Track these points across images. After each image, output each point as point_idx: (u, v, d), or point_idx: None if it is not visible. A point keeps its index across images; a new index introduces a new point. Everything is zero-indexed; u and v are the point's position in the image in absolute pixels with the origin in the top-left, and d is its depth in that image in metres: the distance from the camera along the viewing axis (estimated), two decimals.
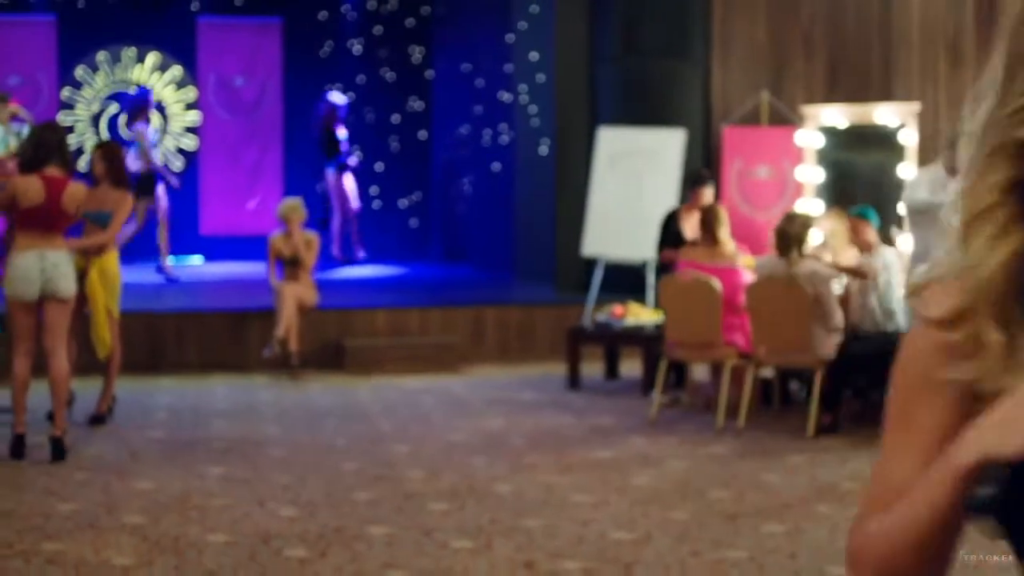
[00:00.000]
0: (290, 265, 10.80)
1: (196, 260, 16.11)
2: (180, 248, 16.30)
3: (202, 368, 10.53)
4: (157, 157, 13.84)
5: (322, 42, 16.71)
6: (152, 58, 16.34)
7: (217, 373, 10.48)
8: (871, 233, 8.44)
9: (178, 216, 16.26)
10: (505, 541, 5.92)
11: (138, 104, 14.09)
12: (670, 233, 9.55)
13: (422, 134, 16.64)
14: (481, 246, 14.62)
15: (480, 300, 11.62)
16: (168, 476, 7.06)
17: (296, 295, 10.59)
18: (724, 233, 8.81)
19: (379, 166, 16.73)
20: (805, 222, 8.22)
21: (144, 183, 13.23)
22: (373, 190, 16.76)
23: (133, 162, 13.13)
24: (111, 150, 8.85)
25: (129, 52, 16.30)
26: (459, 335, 11.05)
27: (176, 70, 16.41)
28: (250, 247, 15.20)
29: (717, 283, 8.43)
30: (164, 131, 16.36)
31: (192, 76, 16.43)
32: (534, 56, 12.77)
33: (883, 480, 1.38)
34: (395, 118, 16.63)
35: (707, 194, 9.56)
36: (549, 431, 8.36)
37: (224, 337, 10.78)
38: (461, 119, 15.37)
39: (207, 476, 7.10)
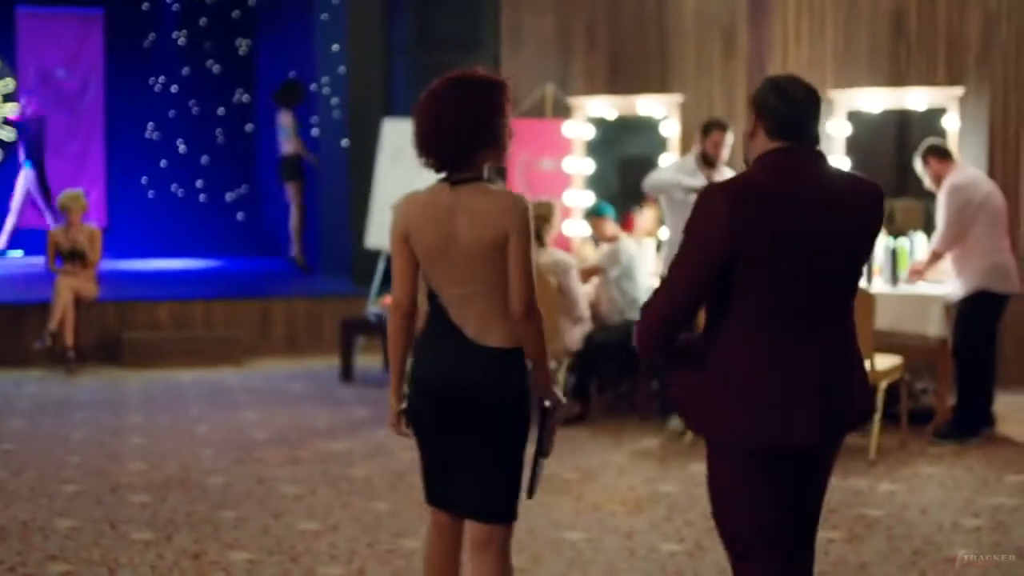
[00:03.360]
0: (69, 258, 10.61)
1: (17, 253, 15.78)
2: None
3: None
4: None
5: (146, 33, 16.47)
6: None
7: None
8: (609, 226, 8.50)
9: None
10: (188, 533, 5.84)
11: None
12: None
13: (248, 127, 16.47)
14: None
15: (267, 293, 11.49)
16: None
17: (72, 288, 10.40)
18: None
19: (204, 159, 16.54)
20: (547, 211, 8.22)
21: None
22: (198, 183, 16.57)
23: None
24: None
25: None
26: (244, 328, 10.93)
27: None
28: None
29: None
30: None
31: (11, 67, 16.10)
32: (336, 48, 12.69)
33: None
34: (220, 110, 16.45)
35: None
36: (297, 424, 8.29)
37: (1, 330, 10.55)
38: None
39: None
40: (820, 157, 3.42)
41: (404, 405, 3.84)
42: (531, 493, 3.89)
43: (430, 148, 3.72)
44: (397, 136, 10.91)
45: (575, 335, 8.26)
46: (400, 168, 10.65)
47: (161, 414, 8.59)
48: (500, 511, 3.78)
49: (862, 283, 7.82)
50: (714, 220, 3.28)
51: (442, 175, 3.76)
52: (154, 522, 6.01)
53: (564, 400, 3.93)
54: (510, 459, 3.75)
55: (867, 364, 7.14)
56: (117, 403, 8.98)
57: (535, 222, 7.97)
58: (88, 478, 6.84)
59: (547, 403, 3.86)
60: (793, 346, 3.32)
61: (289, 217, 13.78)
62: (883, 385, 7.26)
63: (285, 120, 13.42)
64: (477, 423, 3.70)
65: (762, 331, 3.32)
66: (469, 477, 3.76)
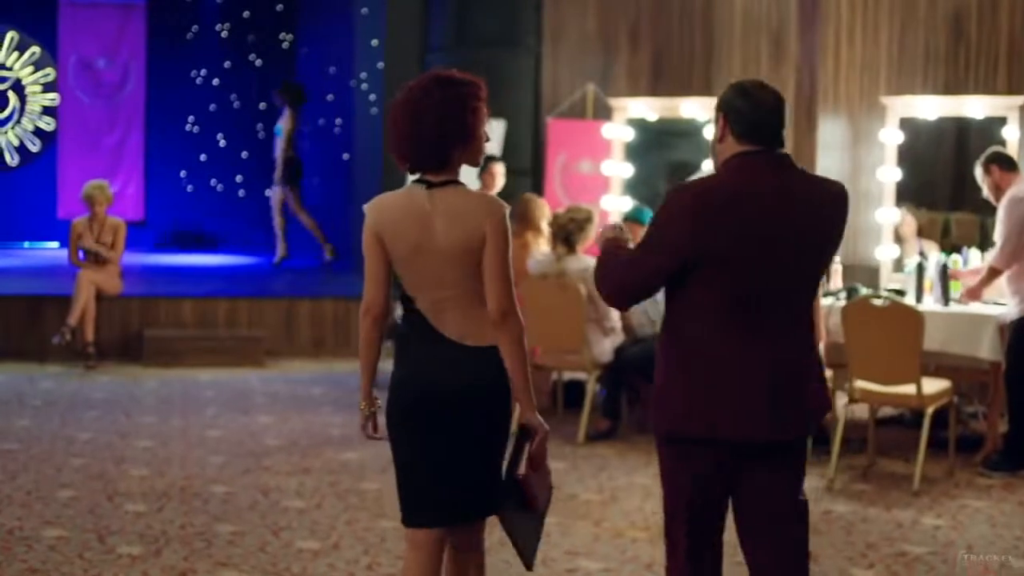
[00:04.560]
0: (92, 252, 10.34)
1: (53, 245, 15.60)
2: (37, 233, 15.83)
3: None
4: None
5: (188, 25, 16.23)
6: (10, 37, 15.81)
7: (10, 361, 10.00)
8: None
9: (35, 200, 15.79)
10: (179, 548, 5.51)
11: None
12: None
13: None
14: (331, 238, 14.17)
15: (294, 292, 11.17)
16: None
17: (94, 282, 10.13)
18: (528, 235, 8.45)
19: (244, 154, 16.27)
20: (581, 217, 7.83)
21: None
22: (238, 178, 16.31)
23: None
24: None
25: None
26: (269, 328, 10.62)
27: (35, 50, 15.88)
28: None
29: None
30: (21, 112, 15.88)
31: (52, 56, 15.91)
32: (375, 43, 12.36)
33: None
34: (262, 105, 16.17)
35: (498, 171, 9.12)
36: (312, 431, 7.94)
37: (20, 323, 10.30)
38: (322, 107, 14.92)
39: None
40: (786, 160, 3.51)
41: (374, 409, 3.83)
42: (530, 564, 3.79)
43: (406, 149, 3.67)
44: None
45: (605, 347, 7.87)
46: None
47: (174, 416, 8.28)
48: (484, 508, 3.76)
49: (910, 300, 7.37)
50: (678, 221, 3.42)
51: (416, 176, 3.71)
52: (146, 534, 5.68)
53: (546, 428, 3.73)
54: (494, 456, 3.73)
55: (913, 388, 6.80)
56: (131, 403, 8.68)
57: (569, 226, 7.69)
58: (87, 483, 6.52)
59: (522, 423, 3.73)
60: (746, 344, 3.43)
61: (283, 222, 13.27)
62: (930, 410, 6.80)
63: (288, 122, 13.03)
64: (464, 423, 3.66)
65: (717, 328, 3.43)
66: (455, 478, 3.69)
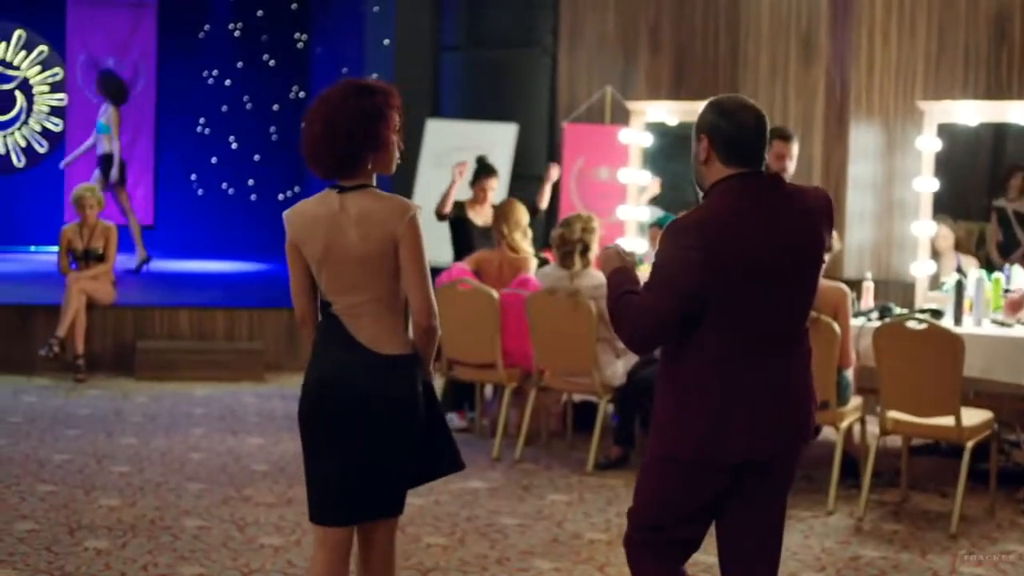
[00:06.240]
0: (83, 258, 9.88)
1: (54, 249, 15.15)
2: (44, 237, 15.39)
3: None
4: None
5: (200, 24, 15.78)
6: (18, 35, 15.39)
7: None
8: None
9: (41, 202, 15.37)
10: None
11: None
12: (462, 231, 8.65)
13: (303, 125, 15.66)
14: None
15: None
16: None
17: (85, 290, 9.66)
18: (517, 236, 7.93)
19: (256, 157, 15.82)
20: (588, 227, 7.29)
21: None
22: (250, 182, 15.85)
23: None
24: None
25: None
26: (269, 340, 10.12)
27: (43, 49, 15.46)
28: (118, 237, 14.28)
29: (495, 294, 7.51)
30: (28, 112, 15.47)
31: (60, 56, 15.49)
32: (386, 42, 11.85)
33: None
34: (275, 107, 15.71)
35: (491, 186, 8.64)
36: (300, 455, 7.39)
37: (10, 333, 9.82)
38: None
39: None
40: (774, 181, 3.51)
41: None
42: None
43: (320, 154, 3.71)
44: (441, 138, 10.07)
45: (618, 369, 7.32)
46: (442, 173, 9.78)
47: (158, 436, 7.78)
48: (386, 507, 3.78)
49: (948, 324, 6.80)
50: (688, 265, 3.37)
51: (330, 182, 3.75)
52: None
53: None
54: (397, 461, 3.73)
55: (952, 420, 6.21)
56: (116, 421, 8.19)
57: (585, 237, 7.15)
58: (50, 514, 6.02)
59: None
60: (749, 366, 3.42)
61: (129, 226, 12.68)
62: (970, 445, 6.22)
63: (111, 116, 12.49)
64: (364, 429, 3.66)
65: (721, 351, 3.41)
66: (356, 481, 3.71)
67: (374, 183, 3.75)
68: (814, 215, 3.49)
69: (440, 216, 8.54)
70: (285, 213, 3.78)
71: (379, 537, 3.83)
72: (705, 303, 3.38)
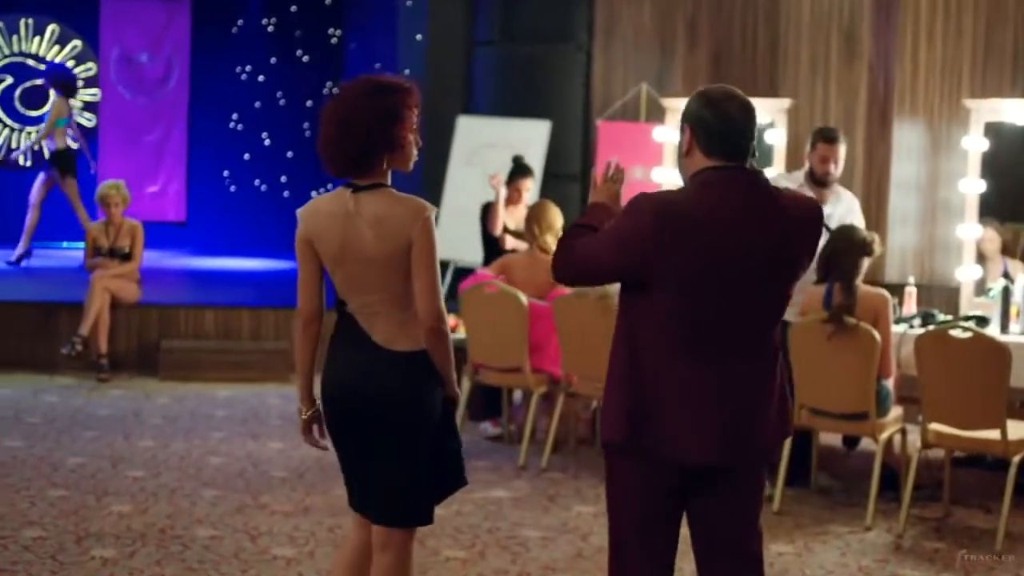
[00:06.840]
0: (108, 256, 9.72)
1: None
2: (75, 233, 15.28)
3: (7, 366, 9.43)
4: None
5: (234, 19, 15.62)
6: (51, 30, 15.30)
7: (21, 371, 9.38)
8: None
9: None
10: None
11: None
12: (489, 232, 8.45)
13: None
14: None
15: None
16: None
17: (109, 289, 9.50)
18: (548, 237, 7.69)
19: (290, 154, 15.65)
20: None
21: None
22: (283, 179, 15.68)
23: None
24: None
25: (27, 22, 15.26)
26: (295, 340, 9.91)
27: (76, 43, 15.35)
28: (150, 233, 14.15)
29: (523, 298, 7.28)
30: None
31: (93, 50, 15.38)
32: (419, 37, 11.64)
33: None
34: (309, 103, 15.54)
35: (526, 186, 8.44)
36: (322, 461, 7.17)
37: (31, 332, 9.68)
38: None
39: None
40: (756, 176, 3.37)
41: (314, 413, 3.85)
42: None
43: (335, 152, 3.67)
44: (472, 135, 9.84)
45: None
46: (473, 171, 9.56)
47: (177, 439, 7.59)
48: (399, 515, 3.75)
49: (994, 331, 6.51)
50: (639, 235, 3.30)
51: (345, 181, 3.72)
52: None
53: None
54: (413, 465, 3.70)
55: (997, 433, 5.93)
56: (135, 423, 8.01)
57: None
58: (58, 521, 5.84)
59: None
60: (697, 365, 3.32)
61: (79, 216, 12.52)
62: (1016, 459, 5.93)
63: (64, 108, 12.30)
64: (379, 428, 3.67)
65: (669, 346, 3.32)
66: (371, 481, 3.74)
67: (389, 182, 3.70)
68: (794, 223, 3.36)
69: (492, 235, 8.40)
70: (299, 210, 3.74)
71: (391, 549, 3.78)
72: (647, 274, 3.29)
